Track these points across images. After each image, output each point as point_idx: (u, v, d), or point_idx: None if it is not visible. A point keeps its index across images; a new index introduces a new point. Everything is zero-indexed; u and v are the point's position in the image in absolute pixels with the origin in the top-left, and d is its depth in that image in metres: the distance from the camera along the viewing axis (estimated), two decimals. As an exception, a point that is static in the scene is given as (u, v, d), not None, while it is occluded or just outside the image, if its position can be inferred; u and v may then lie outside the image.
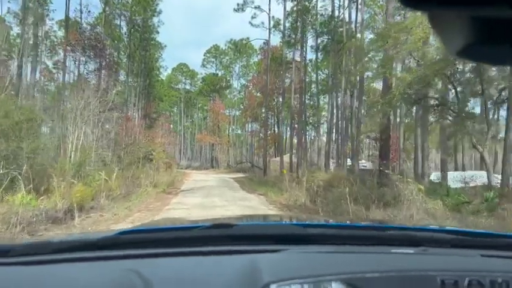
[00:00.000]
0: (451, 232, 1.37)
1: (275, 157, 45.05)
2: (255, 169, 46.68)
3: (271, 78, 46.19)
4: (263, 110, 50.45)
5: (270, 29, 30.36)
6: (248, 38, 34.92)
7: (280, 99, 47.20)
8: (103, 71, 24.11)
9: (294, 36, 31.80)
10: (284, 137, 53.05)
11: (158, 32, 36.24)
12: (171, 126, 57.53)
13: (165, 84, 65.03)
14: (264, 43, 38.74)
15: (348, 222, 2.09)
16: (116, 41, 31.71)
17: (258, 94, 48.23)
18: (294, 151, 49.40)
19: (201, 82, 61.25)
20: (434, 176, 25.26)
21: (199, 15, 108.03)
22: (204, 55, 56.88)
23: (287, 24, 30.60)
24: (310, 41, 39.00)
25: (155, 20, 34.43)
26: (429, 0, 0.33)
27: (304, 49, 32.21)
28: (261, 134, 54.16)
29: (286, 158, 43.24)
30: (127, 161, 19.04)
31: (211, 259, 1.10)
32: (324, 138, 54.21)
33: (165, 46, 39.44)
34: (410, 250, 1.16)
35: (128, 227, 1.70)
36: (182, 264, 1.08)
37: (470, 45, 0.35)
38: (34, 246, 1.22)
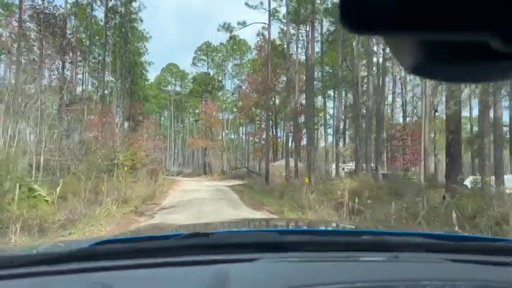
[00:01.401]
0: (423, 236, 1.40)
1: (274, 161, 40.01)
2: (252, 175, 41.66)
3: (266, 79, 41.38)
4: (259, 111, 45.56)
5: (270, 10, 25.35)
6: (245, 22, 29.64)
7: (278, 100, 42.40)
8: (65, 57, 18.77)
9: (297, 23, 26.74)
10: (282, 140, 48.34)
11: (142, 21, 31.11)
12: (157, 128, 52.18)
13: (153, 85, 59.75)
14: (263, 28, 33.72)
15: (325, 227, 2.20)
16: (87, 26, 26.49)
17: (254, 95, 43.09)
18: (292, 154, 44.54)
19: (191, 82, 55.93)
20: (471, 180, 20.27)
21: (191, 19, 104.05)
22: (195, 53, 51.77)
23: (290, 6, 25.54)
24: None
25: (135, 4, 29.19)
26: (375, 26, 0.34)
27: (310, 35, 27.12)
28: (256, 137, 49.10)
29: (284, 162, 38.25)
30: (85, 169, 13.75)
31: (185, 270, 1.08)
32: (322, 141, 49.42)
33: (150, 37, 34.30)
34: (380, 258, 1.14)
35: (105, 237, 1.64)
36: (154, 276, 1.05)
37: (420, 63, 0.37)
38: (7, 259, 1.18)
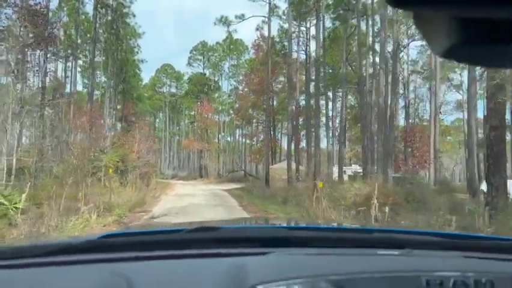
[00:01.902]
0: (434, 234, 1.37)
1: (272, 164, 38.32)
2: (249, 178, 39.93)
3: (266, 76, 39.74)
4: (256, 113, 43.90)
5: (270, 2, 23.73)
6: (243, 15, 27.99)
7: (276, 101, 40.76)
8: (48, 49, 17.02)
9: (298, 16, 25.14)
10: (280, 142, 46.65)
11: (134, 15, 29.33)
12: (150, 129, 50.22)
13: (148, 87, 57.94)
14: (262, 21, 32.10)
15: (334, 224, 2.30)
16: (76, 22, 24.72)
17: (252, 96, 41.42)
18: (291, 157, 42.89)
19: (187, 83, 54.14)
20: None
21: (188, 22, 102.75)
22: (191, 52, 50.00)
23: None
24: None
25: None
26: (415, 0, 0.32)
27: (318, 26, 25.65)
28: (253, 140, 47.40)
29: (283, 164, 36.70)
30: (64, 171, 12.02)
31: (197, 262, 1.07)
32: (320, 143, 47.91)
33: (143, 33, 32.44)
34: (395, 252, 1.13)
35: (111, 230, 1.19)
36: (167, 267, 1.04)
37: (454, 46, 0.35)
38: (17, 249, 1.18)
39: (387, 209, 9.75)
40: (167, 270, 1.01)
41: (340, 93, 49.93)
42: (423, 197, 12.51)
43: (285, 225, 1.88)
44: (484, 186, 18.73)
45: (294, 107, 21.90)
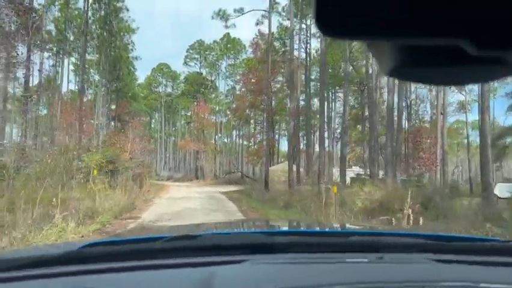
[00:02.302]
0: (410, 236, 1.37)
1: (270, 166, 37.01)
2: (246, 180, 38.59)
3: (264, 75, 38.45)
4: (253, 113, 42.59)
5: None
6: (242, 9, 26.69)
7: (274, 102, 39.47)
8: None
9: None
10: (279, 142, 45.37)
11: (127, 10, 27.92)
12: (146, 129, 48.73)
13: (144, 86, 56.49)
14: (262, 16, 30.82)
15: (314, 228, 2.19)
16: (66, 17, 23.32)
17: (249, 96, 40.11)
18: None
19: (183, 82, 52.72)
20: (503, 189, 17.50)
21: (185, 25, 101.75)
22: (187, 51, 48.57)
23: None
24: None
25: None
26: (352, 31, 0.34)
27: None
28: (251, 141, 46.06)
29: (282, 166, 35.56)
30: (42, 172, 10.69)
31: (170, 272, 1.07)
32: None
33: (137, 28, 30.98)
34: (365, 259, 1.14)
35: (92, 240, 1.62)
36: (139, 279, 1.04)
37: (399, 67, 0.38)
38: None
39: (411, 217, 8.51)
40: (137, 282, 1.00)
41: (338, 94, 48.91)
42: (442, 202, 11.25)
43: (265, 230, 1.88)
44: (497, 191, 17.57)
45: (295, 105, 20.58)
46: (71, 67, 40.94)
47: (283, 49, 33.27)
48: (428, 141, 24.25)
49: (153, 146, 42.23)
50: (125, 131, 31.03)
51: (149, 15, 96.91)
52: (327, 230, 2.01)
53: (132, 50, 32.05)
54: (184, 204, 16.12)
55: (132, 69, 34.04)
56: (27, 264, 1.10)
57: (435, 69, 0.39)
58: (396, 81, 19.80)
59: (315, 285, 0.92)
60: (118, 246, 1.27)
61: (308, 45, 31.13)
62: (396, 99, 18.65)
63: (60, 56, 27.17)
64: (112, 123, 33.40)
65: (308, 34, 31.29)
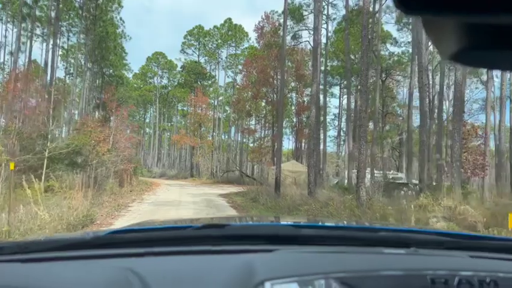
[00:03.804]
0: (440, 234, 1.34)
1: (274, 165, 32.37)
2: (246, 180, 33.92)
3: (270, 63, 33.84)
4: (257, 105, 37.89)
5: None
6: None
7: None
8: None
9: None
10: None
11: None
12: (133, 118, 43.81)
13: (138, 76, 51.55)
14: None
15: (341, 223, 2.16)
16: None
17: (252, 88, 35.36)
18: (298, 157, 36.84)
19: (180, 71, 47.76)
20: None
21: (185, 22, 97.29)
22: (184, 37, 43.62)
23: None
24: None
25: None
26: (425, 7, 0.33)
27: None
28: (253, 136, 41.30)
29: (288, 165, 30.93)
30: None
31: (206, 258, 1.06)
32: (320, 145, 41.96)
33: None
34: (401, 251, 1.11)
35: (119, 227, 1.46)
36: (177, 263, 1.02)
37: (462, 50, 0.36)
38: (27, 244, 1.13)
39: None
40: (175, 266, 1.00)
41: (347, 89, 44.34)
42: None
43: (291, 223, 1.75)
44: None
45: (317, 89, 15.86)
46: (59, 51, 35.99)
47: (295, 30, 28.51)
48: (470, 141, 19.65)
49: (140, 138, 37.29)
50: (109, 120, 26.25)
51: (148, 10, 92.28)
52: (354, 225, 1.90)
53: (120, 26, 27.13)
54: (170, 212, 11.48)
55: (120, 49, 29.15)
56: (65, 246, 1.08)
57: (503, 52, 0.35)
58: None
59: (357, 270, 0.89)
60: (146, 232, 1.26)
61: (328, 24, 26.33)
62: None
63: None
64: (97, 112, 28.53)
65: (327, 12, 26.48)
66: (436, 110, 19.62)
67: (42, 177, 11.56)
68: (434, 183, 15.82)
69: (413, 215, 8.44)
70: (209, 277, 0.92)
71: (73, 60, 26.88)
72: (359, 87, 30.68)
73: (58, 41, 31.00)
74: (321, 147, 27.30)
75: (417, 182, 21.04)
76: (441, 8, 0.32)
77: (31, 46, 23.87)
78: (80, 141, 14.04)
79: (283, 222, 1.95)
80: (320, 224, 1.88)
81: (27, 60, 21.76)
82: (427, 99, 30.65)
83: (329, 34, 31.80)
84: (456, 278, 0.85)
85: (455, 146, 11.65)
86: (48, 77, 18.42)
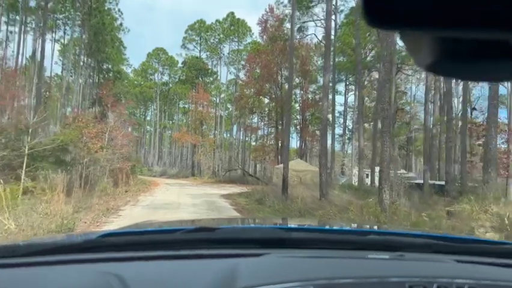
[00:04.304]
0: (429, 237, 1.34)
1: (278, 163, 30.87)
2: (249, 179, 32.45)
3: (273, 60, 32.34)
4: (260, 102, 36.40)
5: None
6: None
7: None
8: None
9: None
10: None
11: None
12: (136, 122, 42.36)
13: (138, 73, 50.10)
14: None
15: (334, 226, 2.09)
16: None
17: (256, 84, 33.85)
18: (303, 156, 35.29)
19: (181, 67, 46.22)
20: None
21: (186, 20, 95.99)
22: (186, 32, 42.03)
23: None
24: None
25: None
26: (396, 22, 0.33)
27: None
28: (256, 134, 39.86)
29: (293, 164, 29.32)
30: None
31: (192, 263, 1.06)
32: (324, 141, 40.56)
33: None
34: (386, 256, 1.12)
35: (110, 230, 1.51)
36: (162, 268, 1.01)
37: (437, 61, 0.36)
38: (15, 247, 1.13)
39: None
40: (160, 271, 0.98)
41: (351, 86, 42.79)
42: None
43: (281, 225, 1.79)
44: None
45: (329, 79, 14.38)
46: (57, 46, 34.58)
47: (302, 21, 26.99)
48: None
49: (139, 135, 35.83)
50: (105, 116, 24.78)
51: (151, 8, 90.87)
52: (344, 228, 1.87)
53: (118, 19, 25.62)
54: (167, 217, 10.01)
55: (118, 43, 27.62)
56: (49, 250, 1.07)
57: (477, 63, 0.36)
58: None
59: (340, 277, 0.88)
60: (136, 236, 1.25)
61: (335, 15, 24.82)
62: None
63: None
64: (93, 108, 27.04)
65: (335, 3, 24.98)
66: (460, 107, 18.03)
67: (22, 177, 10.10)
68: (457, 184, 14.33)
69: (450, 224, 6.95)
70: (193, 282, 0.91)
71: (69, 55, 25.42)
72: (378, 77, 29.15)
73: (54, 35, 29.62)
74: (329, 145, 25.79)
75: (436, 182, 19.51)
76: (414, 23, 0.33)
77: (20, 38, 22.40)
78: (68, 136, 12.55)
79: (273, 225, 1.86)
80: (310, 226, 1.83)
81: (15, 52, 20.28)
82: (438, 95, 29.09)
83: (336, 27, 30.27)
84: (435, 284, 0.85)
85: (492, 142, 10.13)
86: (20, 63, 16.92)
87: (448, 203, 10.33)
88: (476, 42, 0.34)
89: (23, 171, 10.14)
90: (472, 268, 1.05)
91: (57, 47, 31.88)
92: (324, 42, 30.55)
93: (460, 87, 30.07)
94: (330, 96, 29.75)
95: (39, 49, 16.61)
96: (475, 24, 0.31)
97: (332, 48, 25.41)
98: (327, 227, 1.97)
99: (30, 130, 10.46)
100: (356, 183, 25.93)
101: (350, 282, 0.87)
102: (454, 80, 17.40)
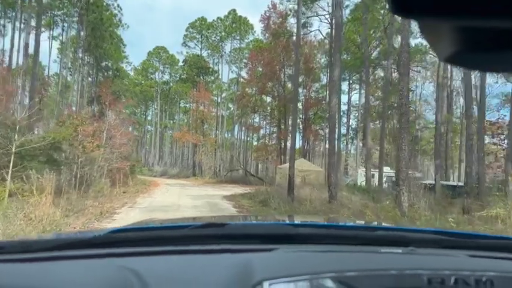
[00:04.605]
0: (438, 233, 1.33)
1: (281, 163, 30.00)
2: (251, 179, 31.62)
3: (276, 57, 31.51)
4: (261, 102, 35.55)
5: None
6: None
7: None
8: None
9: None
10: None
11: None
12: (135, 121, 41.45)
13: (139, 72, 49.30)
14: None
15: (339, 222, 2.06)
16: None
17: (258, 83, 32.98)
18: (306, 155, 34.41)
19: (182, 65, 45.35)
20: None
21: (187, 21, 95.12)
22: (186, 30, 41.16)
23: None
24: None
25: None
26: (420, 10, 0.33)
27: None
28: (257, 134, 39.00)
29: (296, 164, 28.40)
30: None
31: (205, 258, 1.05)
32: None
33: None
34: (399, 250, 1.11)
35: (119, 226, 1.40)
36: (176, 263, 1.02)
37: (458, 52, 0.36)
38: (27, 243, 1.13)
39: None
40: (174, 265, 0.99)
41: (355, 85, 41.85)
42: None
43: (290, 222, 1.79)
44: None
45: (339, 70, 13.48)
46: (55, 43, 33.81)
47: (306, 16, 26.11)
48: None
49: (140, 134, 34.99)
50: (103, 114, 23.94)
51: (151, 8, 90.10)
52: (353, 224, 1.90)
53: (117, 15, 24.77)
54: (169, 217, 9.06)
55: (117, 39, 26.75)
56: (61, 245, 1.08)
57: (498, 54, 0.35)
58: None
59: (354, 269, 0.87)
60: (147, 232, 1.25)
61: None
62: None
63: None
64: (91, 106, 26.21)
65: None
66: (478, 104, 17.15)
67: (9, 178, 9.25)
68: (474, 185, 13.45)
69: (489, 231, 6.07)
70: (207, 276, 0.91)
71: (66, 51, 24.56)
72: (383, 75, 28.23)
73: (52, 32, 28.82)
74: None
75: (449, 183, 18.61)
76: (437, 11, 0.32)
77: (13, 34, 21.60)
78: (60, 134, 11.69)
79: (282, 221, 1.86)
80: (319, 223, 1.79)
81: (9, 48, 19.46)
82: (445, 92, 28.17)
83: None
84: (452, 277, 0.84)
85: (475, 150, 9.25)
86: (16, 60, 16.00)
87: (468, 205, 9.44)
88: (497, 31, 0.33)
89: (10, 171, 9.29)
90: (487, 262, 1.03)
91: (55, 45, 31.11)
92: (328, 39, 29.69)
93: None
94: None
95: (33, 43, 15.73)
96: (496, 13, 0.31)
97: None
98: (336, 223, 1.91)
99: (18, 127, 9.60)
100: (361, 184, 25.11)
101: (367, 275, 0.84)
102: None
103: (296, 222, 1.78)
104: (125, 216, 9.71)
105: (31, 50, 17.68)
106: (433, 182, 16.77)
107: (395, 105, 31.33)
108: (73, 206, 10.28)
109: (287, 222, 1.78)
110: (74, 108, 21.02)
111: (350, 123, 42.60)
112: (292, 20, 29.97)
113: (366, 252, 1.10)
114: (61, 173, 12.92)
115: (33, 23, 27.19)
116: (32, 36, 15.31)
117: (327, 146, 40.08)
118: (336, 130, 25.24)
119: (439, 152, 17.70)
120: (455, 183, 18.33)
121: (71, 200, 11.42)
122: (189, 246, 1.09)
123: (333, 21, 25.08)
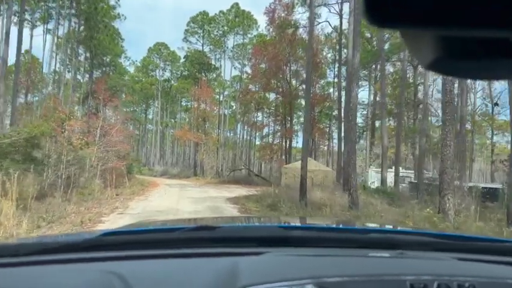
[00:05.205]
0: (430, 235, 1.33)
1: (286, 163, 28.34)
2: (255, 179, 30.00)
3: (281, 52, 29.87)
4: (266, 98, 33.89)
5: None
6: None
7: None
8: None
9: None
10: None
11: None
12: (134, 119, 39.88)
13: (139, 69, 47.67)
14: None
15: (332, 224, 2.04)
16: None
17: (263, 79, 31.30)
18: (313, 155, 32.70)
19: (183, 61, 43.67)
20: None
21: (187, 18, 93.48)
22: (188, 25, 39.46)
23: None
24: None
25: None
26: (398, 21, 0.33)
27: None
28: (261, 133, 37.31)
29: (299, 164, 26.63)
30: None
31: (192, 261, 1.05)
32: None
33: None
34: (386, 254, 1.10)
35: (111, 229, 1.42)
36: (163, 267, 1.01)
37: (438, 59, 0.36)
38: (14, 247, 1.12)
39: None
40: (161, 270, 0.98)
41: (362, 82, 40.08)
42: None
43: (282, 224, 1.76)
44: None
45: (357, 60, 11.80)
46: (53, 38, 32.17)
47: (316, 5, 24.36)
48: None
49: (137, 132, 33.40)
50: (98, 111, 22.33)
51: (151, 8, 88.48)
52: (344, 226, 1.91)
53: (116, 7, 23.09)
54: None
55: (113, 32, 25.06)
56: (49, 249, 1.06)
57: (478, 62, 0.36)
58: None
59: (340, 275, 0.87)
60: (137, 235, 1.25)
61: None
62: None
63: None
64: (89, 101, 24.59)
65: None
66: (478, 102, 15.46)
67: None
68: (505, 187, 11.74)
69: None
70: (192, 280, 0.90)
71: (54, 39, 22.95)
72: (395, 69, 26.46)
73: (46, 25, 27.13)
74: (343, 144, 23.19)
75: (488, 185, 16.88)
76: (415, 21, 0.32)
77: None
78: (38, 128, 10.03)
79: (273, 224, 1.86)
80: (310, 225, 1.81)
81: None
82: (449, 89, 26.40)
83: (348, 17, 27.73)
84: (435, 282, 0.83)
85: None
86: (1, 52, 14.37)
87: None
88: (476, 40, 0.34)
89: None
90: (473, 266, 1.04)
91: (49, 38, 29.45)
92: (336, 32, 28.01)
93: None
94: (337, 94, 27.40)
95: (16, 33, 14.08)
96: (475, 23, 0.31)
97: (337, 44, 22.87)
98: (327, 225, 1.86)
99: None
100: (371, 185, 23.41)
101: (350, 280, 0.85)
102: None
103: (288, 224, 1.74)
104: (110, 226, 8.03)
105: (14, 40, 16.11)
106: (486, 185, 15.01)
107: (408, 101, 29.60)
108: (52, 212, 8.63)
109: (278, 224, 1.72)
110: (54, 99, 19.34)
111: (357, 121, 40.98)
112: (300, 10, 28.39)
113: (355, 256, 1.08)
114: (44, 173, 11.29)
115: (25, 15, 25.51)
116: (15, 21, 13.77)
117: (332, 144, 38.25)
118: (337, 131, 23.56)
119: (464, 153, 16.04)
120: (493, 185, 16.64)
121: (53, 204, 9.79)
122: (179, 249, 1.08)
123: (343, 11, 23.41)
